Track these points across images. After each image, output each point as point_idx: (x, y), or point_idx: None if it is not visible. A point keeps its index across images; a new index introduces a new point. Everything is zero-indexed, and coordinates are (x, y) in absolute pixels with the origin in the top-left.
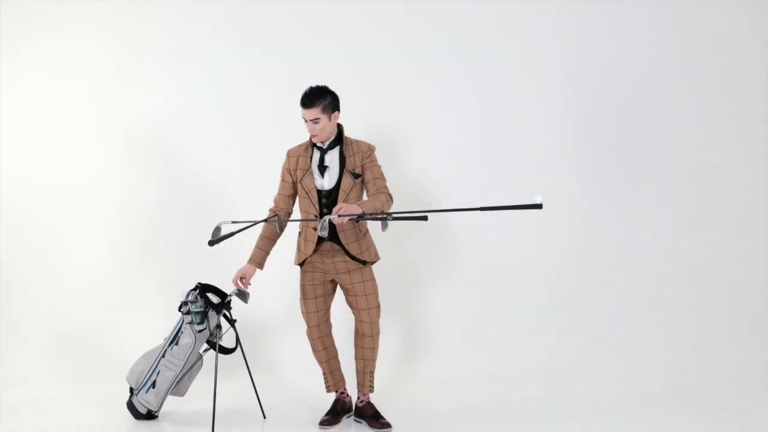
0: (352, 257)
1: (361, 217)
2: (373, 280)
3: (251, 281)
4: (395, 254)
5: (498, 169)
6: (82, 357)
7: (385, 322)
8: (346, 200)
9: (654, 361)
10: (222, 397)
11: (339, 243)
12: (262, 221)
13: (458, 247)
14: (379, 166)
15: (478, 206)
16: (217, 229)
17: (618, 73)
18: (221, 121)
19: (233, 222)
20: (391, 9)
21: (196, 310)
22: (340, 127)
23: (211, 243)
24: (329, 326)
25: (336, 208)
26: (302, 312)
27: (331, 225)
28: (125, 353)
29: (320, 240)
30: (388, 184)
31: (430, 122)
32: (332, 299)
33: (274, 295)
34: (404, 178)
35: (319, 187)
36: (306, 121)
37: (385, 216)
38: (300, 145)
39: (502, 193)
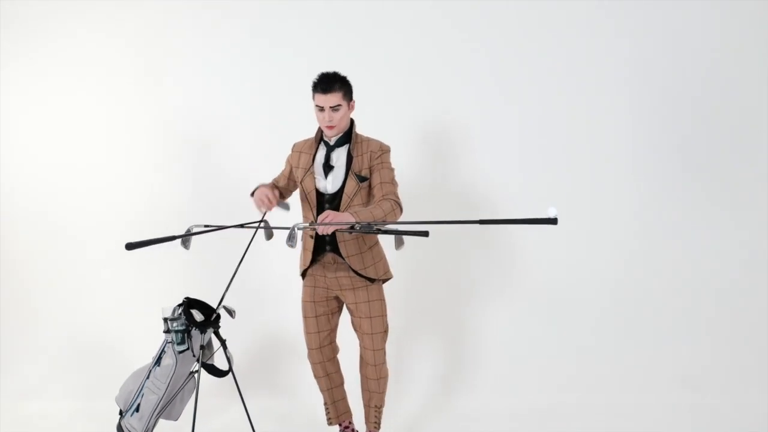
0: (357, 272)
1: (352, 229)
2: (381, 300)
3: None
4: (434, 268)
5: (558, 175)
6: (96, 370)
7: (419, 345)
8: (349, 206)
9: (740, 400)
10: (212, 424)
11: (340, 254)
12: (233, 226)
13: (506, 261)
14: (391, 170)
15: (529, 217)
16: (188, 231)
17: (694, 74)
18: (251, 122)
19: (206, 226)
20: (452, 4)
21: (176, 328)
22: (351, 121)
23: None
24: (334, 350)
25: (321, 216)
26: (303, 331)
27: (327, 235)
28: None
29: (320, 250)
30: (409, 189)
31: (488, 120)
32: (338, 319)
33: (277, 309)
34: (452, 178)
35: (321, 190)
36: (322, 109)
37: (377, 228)
38: (305, 141)
39: (561, 199)
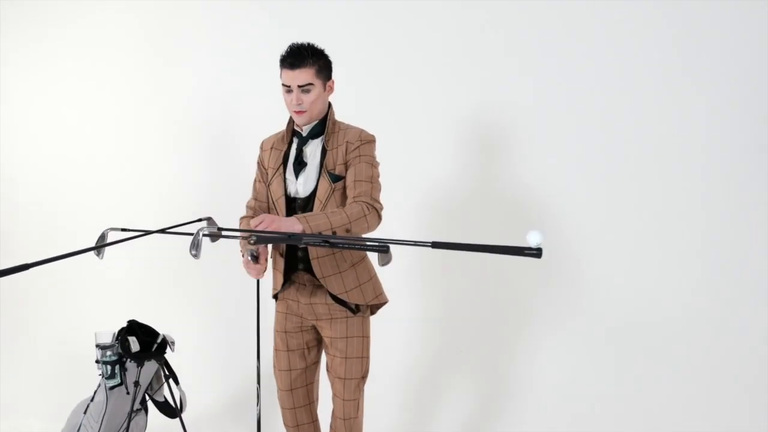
0: (335, 298)
1: (297, 240)
2: (364, 337)
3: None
4: (470, 292)
5: (622, 184)
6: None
7: (451, 385)
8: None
9: None
10: None
11: (314, 274)
12: (156, 231)
13: (555, 285)
14: (372, 166)
15: (509, 245)
16: (102, 237)
17: None
18: (267, 109)
19: (123, 230)
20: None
21: (106, 359)
22: (330, 107)
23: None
24: (310, 395)
25: (255, 221)
26: (273, 367)
27: (299, 248)
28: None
29: (292, 267)
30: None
31: (544, 116)
32: (317, 355)
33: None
34: (498, 183)
35: (292, 194)
36: (289, 90)
37: (325, 241)
38: (276, 135)
39: (623, 212)
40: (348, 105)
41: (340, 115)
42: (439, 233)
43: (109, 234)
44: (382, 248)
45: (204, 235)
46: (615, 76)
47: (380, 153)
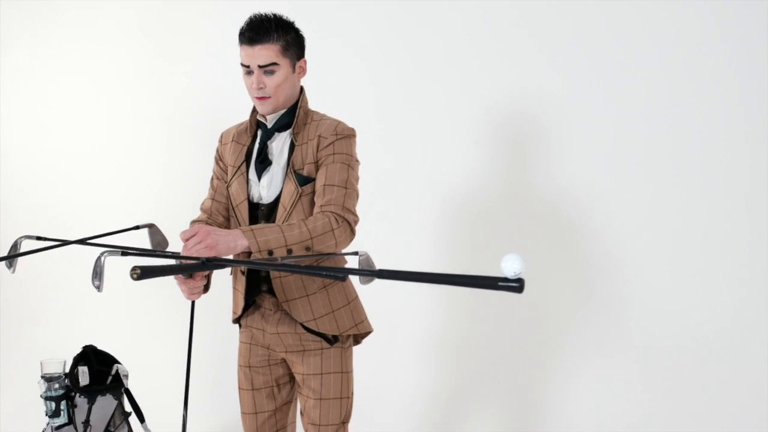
0: (306, 326)
1: (214, 266)
2: (344, 374)
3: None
4: (497, 314)
5: (674, 190)
6: None
7: (479, 405)
8: (287, 221)
9: None
10: None
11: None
12: (73, 242)
13: (603, 302)
14: (348, 167)
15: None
16: (14, 246)
17: None
18: None
19: (38, 238)
20: None
21: (50, 394)
22: (302, 93)
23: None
24: None
25: (184, 233)
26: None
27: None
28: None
29: (254, 289)
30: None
31: (586, 110)
32: (289, 394)
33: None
34: (533, 184)
35: (255, 198)
36: (249, 71)
37: (269, 263)
38: (238, 125)
39: (667, 222)
40: (360, 100)
41: (342, 109)
42: (460, 245)
43: (23, 243)
44: (338, 277)
45: (106, 256)
46: (663, 68)
47: (396, 154)
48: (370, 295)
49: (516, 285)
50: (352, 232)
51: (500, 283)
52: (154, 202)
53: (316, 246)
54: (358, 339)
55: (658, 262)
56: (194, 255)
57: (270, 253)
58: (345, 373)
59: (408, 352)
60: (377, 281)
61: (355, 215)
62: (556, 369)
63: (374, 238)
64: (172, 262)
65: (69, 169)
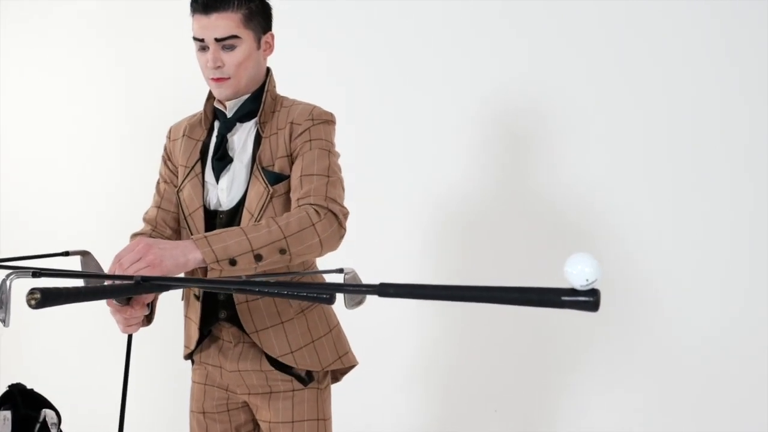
0: (275, 361)
1: (150, 287)
2: (320, 421)
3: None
4: (501, 334)
5: (682, 186)
6: None
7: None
8: None
9: None
10: None
11: (244, 329)
12: None
13: (621, 321)
14: (327, 153)
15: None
16: None
17: None
18: None
19: None
20: None
21: None
22: (269, 74)
23: None
24: None
25: (120, 254)
26: None
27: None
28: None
29: (212, 316)
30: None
31: (604, 105)
32: None
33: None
34: (543, 187)
35: (212, 205)
36: (203, 46)
37: (229, 281)
38: (189, 117)
39: (689, 228)
40: (337, 92)
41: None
42: (452, 253)
43: None
44: (323, 298)
45: (11, 279)
46: (664, 59)
47: (380, 151)
48: (343, 320)
49: (588, 300)
50: (341, 226)
51: (564, 298)
52: (111, 215)
53: (294, 247)
54: (337, 376)
55: (684, 267)
56: (129, 279)
57: (232, 263)
58: (322, 421)
59: (392, 385)
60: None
61: (343, 206)
62: (568, 398)
63: (354, 250)
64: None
65: (21, 179)
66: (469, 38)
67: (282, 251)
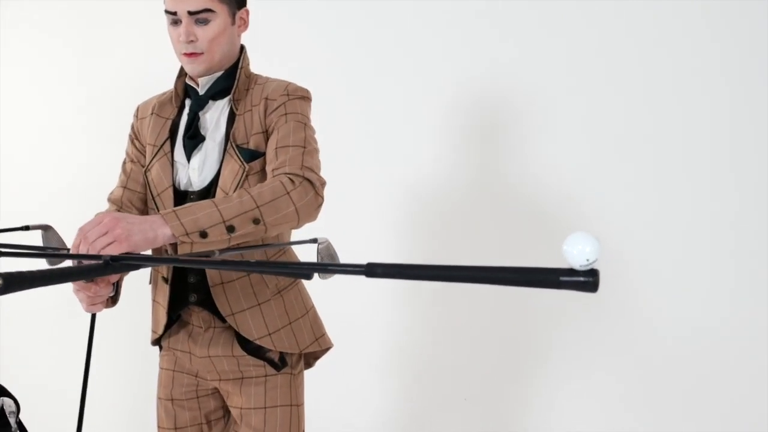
0: (247, 346)
1: (118, 267)
2: (294, 407)
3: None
4: (477, 322)
5: (683, 181)
6: None
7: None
8: None
9: None
10: None
11: (217, 311)
12: None
13: (598, 310)
14: (303, 126)
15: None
16: None
17: None
18: None
19: None
20: None
21: None
22: (243, 52)
23: None
24: None
25: (88, 225)
26: None
27: (193, 272)
28: None
29: (180, 301)
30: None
31: (586, 92)
32: None
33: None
34: (522, 176)
35: (182, 185)
36: (176, 20)
37: (201, 260)
38: (159, 96)
39: (687, 218)
40: (311, 79)
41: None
42: (426, 241)
43: None
44: (302, 273)
45: None
46: (643, 44)
47: (352, 139)
48: (317, 305)
49: (587, 280)
50: (317, 195)
51: (563, 278)
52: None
53: (268, 216)
54: (310, 361)
55: (665, 254)
56: (97, 251)
57: (203, 236)
58: (295, 407)
59: (365, 372)
60: (330, 282)
61: (319, 176)
62: (541, 388)
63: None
64: (65, 263)
65: None
66: (441, 26)
67: (256, 221)
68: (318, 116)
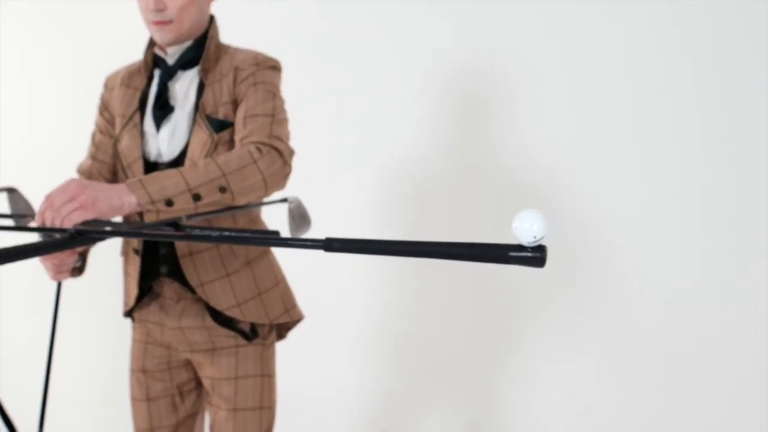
0: (218, 317)
1: (83, 239)
2: (265, 377)
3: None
4: (456, 295)
5: (651, 156)
6: None
7: (431, 399)
8: None
9: None
10: None
11: (187, 282)
12: None
13: (576, 285)
14: (272, 95)
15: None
16: None
17: None
18: None
19: None
20: None
21: None
22: (212, 21)
23: None
24: None
25: (54, 191)
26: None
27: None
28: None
29: (151, 272)
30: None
31: (568, 70)
32: (198, 405)
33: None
34: (503, 156)
35: (152, 156)
36: None
37: (165, 233)
38: (128, 66)
39: (663, 197)
40: (287, 50)
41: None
42: (402, 216)
43: None
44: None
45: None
46: (634, 22)
47: (329, 115)
48: (291, 274)
49: (535, 255)
50: (285, 164)
51: (512, 254)
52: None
53: (235, 185)
54: (282, 332)
55: (648, 239)
56: (63, 219)
57: (169, 204)
58: (266, 377)
59: (341, 346)
60: (308, 255)
61: (288, 145)
62: (521, 362)
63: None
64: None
65: None
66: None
67: (222, 189)
68: (293, 90)
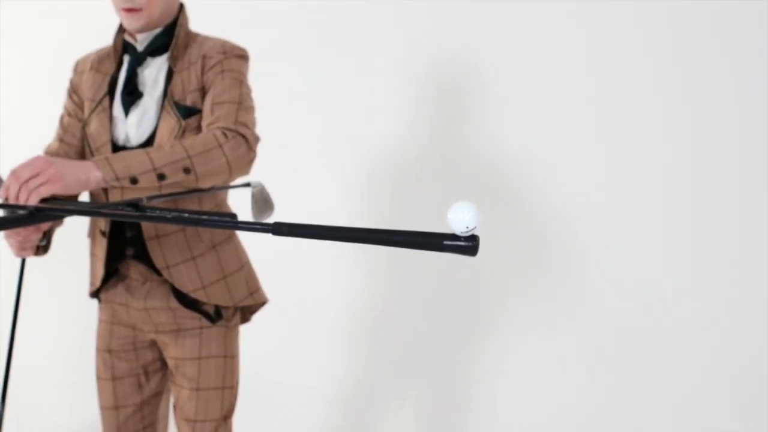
0: (183, 299)
1: (50, 213)
2: (227, 358)
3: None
4: (433, 283)
5: (623, 143)
6: None
7: (399, 388)
8: None
9: None
10: None
11: (153, 264)
12: None
13: (542, 276)
14: (239, 83)
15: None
16: None
17: None
18: None
19: None
20: None
21: None
22: (182, 9)
23: None
24: None
25: (19, 167)
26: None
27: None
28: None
29: (117, 254)
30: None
31: (550, 58)
32: (163, 385)
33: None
34: (478, 144)
35: (120, 140)
36: None
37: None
38: (98, 51)
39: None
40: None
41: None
42: (377, 205)
43: None
44: (224, 222)
45: None
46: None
47: (304, 105)
48: (260, 258)
49: (467, 245)
50: (250, 149)
51: (446, 242)
52: None
53: (200, 167)
54: (246, 315)
55: (618, 225)
56: (30, 192)
57: (134, 182)
58: (229, 358)
59: (309, 329)
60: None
61: (253, 132)
62: (488, 348)
63: (279, 203)
64: None
65: None
66: None
67: (186, 170)
68: (271, 80)
